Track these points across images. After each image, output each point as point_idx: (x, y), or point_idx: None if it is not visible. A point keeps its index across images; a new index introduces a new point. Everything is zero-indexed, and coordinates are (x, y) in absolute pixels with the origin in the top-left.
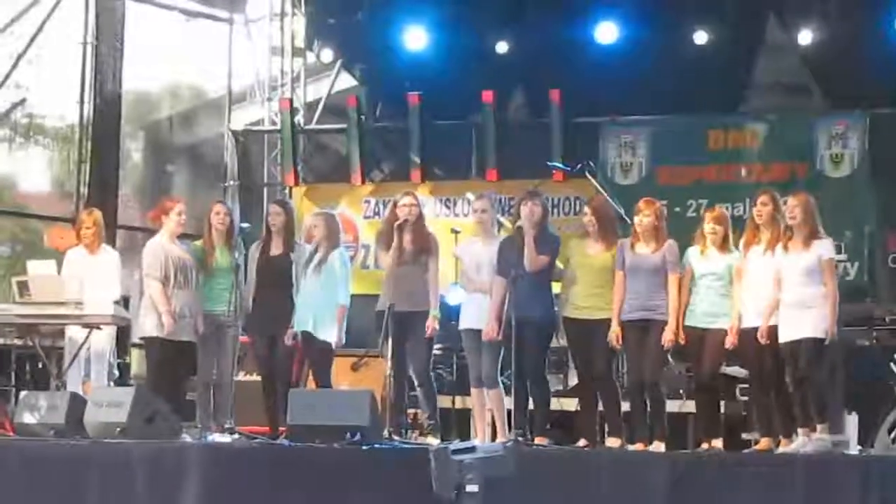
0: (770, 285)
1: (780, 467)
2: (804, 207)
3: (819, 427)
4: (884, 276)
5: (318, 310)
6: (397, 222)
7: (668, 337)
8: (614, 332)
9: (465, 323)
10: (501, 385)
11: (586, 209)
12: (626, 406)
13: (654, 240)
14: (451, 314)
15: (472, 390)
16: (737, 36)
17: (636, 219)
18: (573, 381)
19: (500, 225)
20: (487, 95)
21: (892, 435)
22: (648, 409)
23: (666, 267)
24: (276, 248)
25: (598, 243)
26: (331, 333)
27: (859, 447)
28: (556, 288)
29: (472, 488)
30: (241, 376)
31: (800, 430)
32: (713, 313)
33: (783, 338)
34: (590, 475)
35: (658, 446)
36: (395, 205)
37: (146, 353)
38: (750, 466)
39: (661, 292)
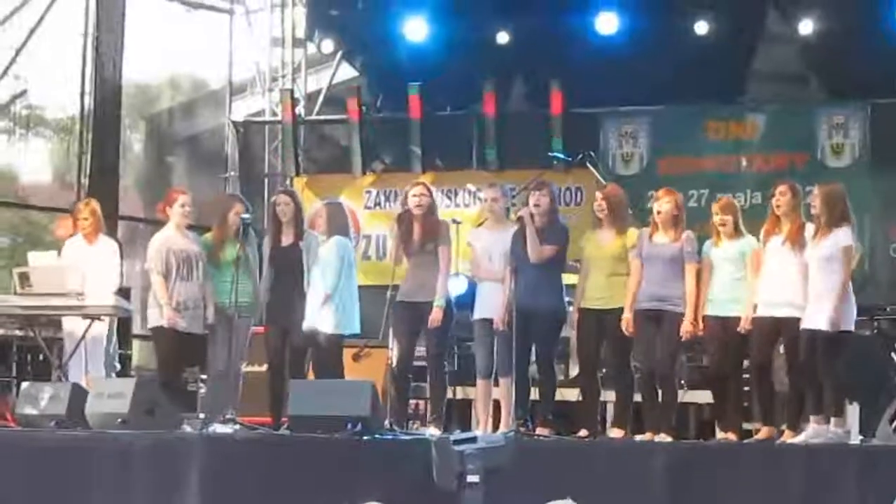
0: (786, 276)
1: (780, 457)
2: (822, 199)
3: (833, 420)
4: (885, 265)
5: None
6: (405, 213)
7: (686, 328)
8: (626, 319)
9: (477, 313)
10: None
11: (598, 195)
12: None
13: (673, 229)
14: (451, 304)
15: (479, 381)
16: (737, 26)
17: (655, 207)
18: (575, 371)
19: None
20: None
21: (894, 425)
22: (660, 400)
23: (683, 257)
24: (286, 239)
25: (610, 230)
26: (319, 322)
27: (860, 437)
28: (573, 280)
29: (473, 478)
30: (244, 367)
31: (812, 419)
32: (731, 300)
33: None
34: (590, 465)
35: (664, 438)
36: (406, 196)
37: (154, 344)
38: (750, 456)
39: (676, 283)
